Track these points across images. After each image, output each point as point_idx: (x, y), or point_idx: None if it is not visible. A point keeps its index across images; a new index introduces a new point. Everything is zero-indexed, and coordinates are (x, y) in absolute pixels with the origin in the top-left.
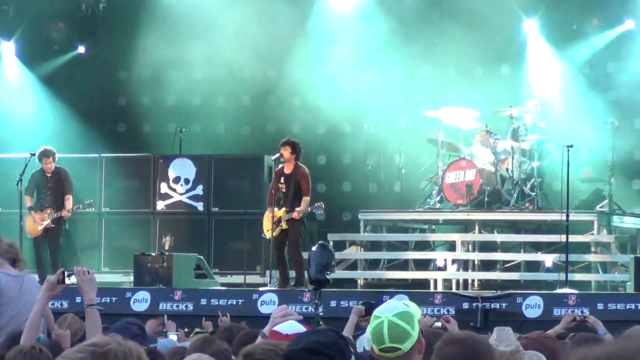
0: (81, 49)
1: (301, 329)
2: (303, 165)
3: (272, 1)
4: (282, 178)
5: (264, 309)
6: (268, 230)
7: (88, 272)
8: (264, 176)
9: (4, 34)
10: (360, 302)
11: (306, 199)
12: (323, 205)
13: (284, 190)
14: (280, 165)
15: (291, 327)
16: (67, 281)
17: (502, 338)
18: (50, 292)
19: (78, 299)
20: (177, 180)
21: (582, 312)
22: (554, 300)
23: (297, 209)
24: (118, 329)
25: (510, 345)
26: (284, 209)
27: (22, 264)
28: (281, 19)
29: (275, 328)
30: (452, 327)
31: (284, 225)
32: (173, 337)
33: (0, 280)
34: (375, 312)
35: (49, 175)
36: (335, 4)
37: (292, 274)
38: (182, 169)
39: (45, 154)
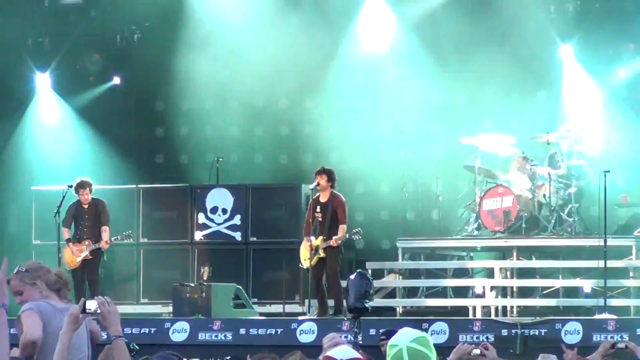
0: (117, 80)
1: (354, 354)
2: (339, 194)
3: (306, 29)
4: (318, 207)
5: (303, 338)
6: (306, 259)
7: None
8: (302, 205)
9: (39, 66)
10: (382, 331)
11: (343, 227)
12: (361, 231)
13: (320, 219)
14: (316, 195)
15: (345, 352)
16: (91, 306)
17: None
18: (74, 325)
19: None
20: (214, 210)
21: (621, 337)
22: (593, 326)
23: (334, 237)
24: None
25: None
26: (321, 237)
27: (65, 293)
28: (316, 47)
29: (328, 354)
30: (491, 354)
31: (321, 254)
32: None
33: (47, 309)
34: (391, 342)
35: (86, 206)
36: (370, 30)
37: (331, 302)
38: (220, 199)
39: (82, 186)
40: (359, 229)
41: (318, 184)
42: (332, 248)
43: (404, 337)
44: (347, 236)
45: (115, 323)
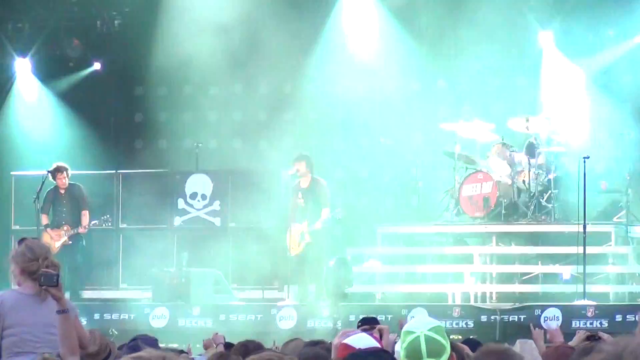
0: (97, 66)
1: (373, 342)
2: (320, 178)
3: (286, 15)
4: (300, 193)
5: (283, 324)
6: (292, 247)
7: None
8: (281, 191)
9: (19, 51)
10: (361, 317)
11: (326, 210)
12: (342, 209)
13: (302, 205)
14: (297, 180)
15: (364, 341)
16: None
17: (526, 350)
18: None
19: (96, 316)
20: (194, 196)
21: (600, 324)
22: (572, 312)
23: (318, 220)
24: (133, 347)
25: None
26: (305, 222)
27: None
28: (295, 32)
29: (345, 341)
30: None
31: (307, 239)
32: None
33: (5, 301)
34: (408, 328)
35: (62, 191)
36: (350, 16)
37: (311, 288)
38: (199, 184)
39: (59, 170)
40: (340, 208)
41: (297, 171)
42: (318, 232)
43: (422, 325)
44: (330, 216)
45: (64, 295)
